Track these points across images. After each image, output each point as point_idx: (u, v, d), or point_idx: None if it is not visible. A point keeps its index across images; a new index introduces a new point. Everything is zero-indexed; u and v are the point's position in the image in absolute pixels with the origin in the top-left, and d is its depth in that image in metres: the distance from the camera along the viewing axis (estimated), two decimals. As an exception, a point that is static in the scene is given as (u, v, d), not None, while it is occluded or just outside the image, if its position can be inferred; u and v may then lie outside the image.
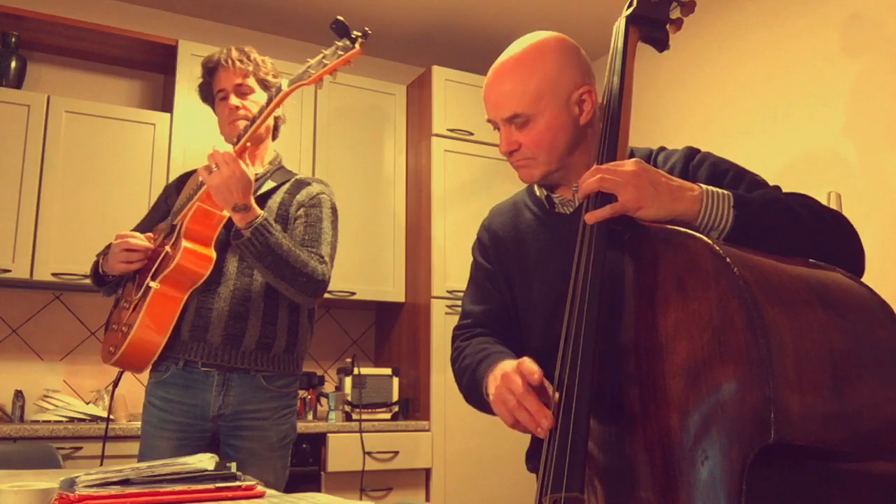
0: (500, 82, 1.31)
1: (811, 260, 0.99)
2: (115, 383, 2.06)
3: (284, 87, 1.77)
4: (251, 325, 1.89)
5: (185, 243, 1.84)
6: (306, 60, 1.75)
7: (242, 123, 1.94)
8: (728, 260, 0.87)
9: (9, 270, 3.00)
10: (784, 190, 1.21)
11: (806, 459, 0.81)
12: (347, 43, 1.68)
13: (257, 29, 3.93)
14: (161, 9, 3.74)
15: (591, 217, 1.09)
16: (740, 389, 0.80)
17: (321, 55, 1.72)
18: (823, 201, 2.89)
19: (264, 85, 2.02)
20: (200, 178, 1.85)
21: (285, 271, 1.84)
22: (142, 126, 3.31)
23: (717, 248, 0.90)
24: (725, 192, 1.09)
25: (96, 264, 2.02)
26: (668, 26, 1.30)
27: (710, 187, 1.09)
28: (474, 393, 1.32)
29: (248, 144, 1.89)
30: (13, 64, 3.25)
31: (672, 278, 0.95)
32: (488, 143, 3.77)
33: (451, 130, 3.74)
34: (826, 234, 1.09)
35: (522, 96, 1.27)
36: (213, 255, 1.89)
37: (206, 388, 1.88)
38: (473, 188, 3.73)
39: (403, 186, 3.84)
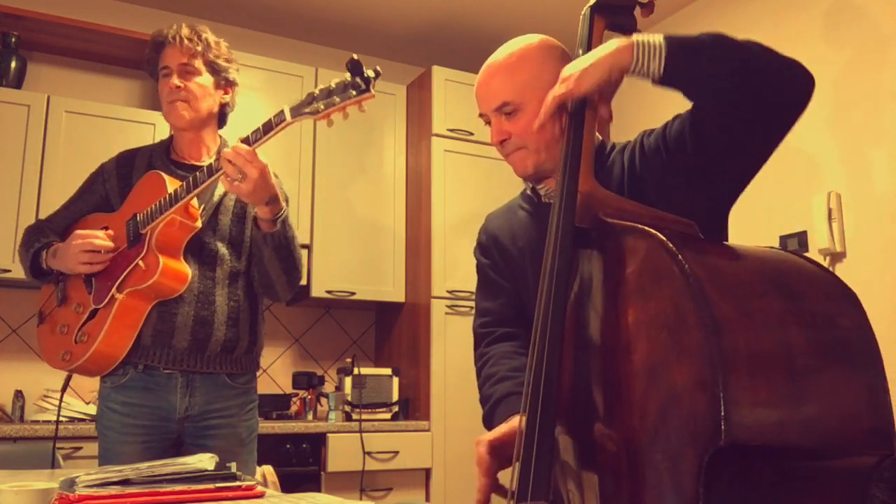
0: (488, 77, 1.39)
1: (772, 247, 0.99)
2: (65, 388, 1.99)
3: (287, 117, 1.66)
4: (216, 330, 1.86)
5: (162, 260, 1.78)
6: (310, 91, 1.65)
7: (181, 105, 1.89)
8: (680, 257, 0.86)
9: (9, 270, 3.00)
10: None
11: (767, 459, 0.80)
12: (359, 82, 1.61)
13: (257, 29, 3.93)
14: (161, 9, 3.74)
15: (542, 113, 1.23)
16: (692, 390, 0.79)
17: (326, 88, 1.63)
18: (822, 202, 2.90)
19: (213, 68, 1.94)
20: (190, 190, 1.76)
21: (290, 263, 1.86)
22: (142, 126, 3.31)
23: (671, 244, 0.88)
24: (660, 36, 1.15)
25: (36, 257, 1.92)
26: (637, 10, 1.32)
27: (644, 37, 1.16)
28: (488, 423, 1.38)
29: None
30: (13, 64, 3.26)
31: (632, 277, 0.94)
32: (488, 143, 3.74)
33: (451, 130, 3.74)
34: (771, 62, 1.14)
35: (511, 87, 1.35)
36: (189, 272, 1.84)
37: (169, 390, 1.84)
38: (473, 188, 3.73)
39: (403, 186, 3.84)
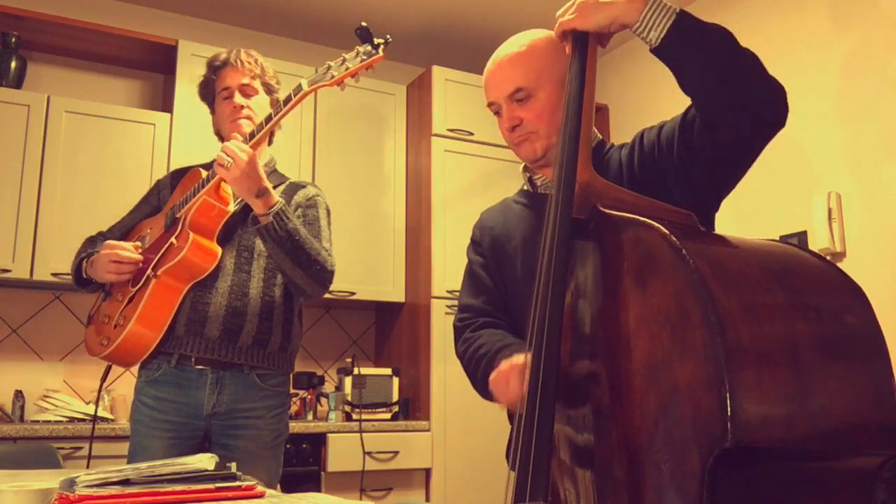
0: (501, 66, 1.42)
1: (776, 240, 0.96)
2: (104, 379, 2.04)
3: (305, 87, 1.74)
4: (248, 321, 1.90)
5: (192, 236, 1.84)
6: (326, 63, 1.73)
7: (245, 122, 1.96)
8: (684, 251, 0.83)
9: (9, 270, 3.00)
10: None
11: (772, 459, 0.78)
12: (370, 48, 1.68)
13: (257, 29, 3.94)
14: (161, 9, 3.74)
15: (559, 28, 1.26)
16: (697, 390, 0.77)
17: (342, 58, 1.71)
18: (822, 202, 2.90)
19: (268, 89, 2.05)
20: (216, 173, 1.83)
21: (302, 257, 1.87)
22: (142, 126, 3.31)
23: (674, 238, 0.85)
24: (675, 8, 1.18)
25: (79, 266, 2.00)
26: None
27: (659, 3, 1.18)
28: (485, 381, 1.32)
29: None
30: (13, 64, 3.26)
31: (632, 271, 0.91)
32: (488, 143, 3.77)
33: (451, 130, 3.74)
34: (761, 75, 1.15)
35: (524, 73, 1.38)
36: (219, 250, 1.90)
37: (199, 387, 1.88)
38: (473, 188, 3.73)
39: (403, 186, 3.84)
